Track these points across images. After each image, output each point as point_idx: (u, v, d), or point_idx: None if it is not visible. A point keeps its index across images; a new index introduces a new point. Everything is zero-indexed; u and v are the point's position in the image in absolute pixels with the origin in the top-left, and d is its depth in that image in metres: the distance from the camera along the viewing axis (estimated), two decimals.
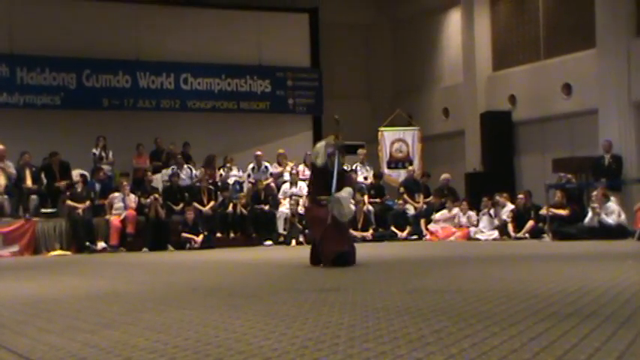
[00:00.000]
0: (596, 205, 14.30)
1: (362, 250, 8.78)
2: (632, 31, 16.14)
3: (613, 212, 14.27)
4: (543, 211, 15.30)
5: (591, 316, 3.59)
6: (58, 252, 14.56)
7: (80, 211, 15.02)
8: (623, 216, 14.32)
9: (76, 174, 15.90)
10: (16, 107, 17.76)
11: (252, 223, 16.33)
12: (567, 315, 3.66)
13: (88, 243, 14.86)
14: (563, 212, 15.14)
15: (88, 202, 15.27)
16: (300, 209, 16.37)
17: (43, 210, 15.34)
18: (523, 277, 6.31)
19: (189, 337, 3.31)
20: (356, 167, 18.11)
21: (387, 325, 3.46)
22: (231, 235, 16.20)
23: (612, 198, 14.54)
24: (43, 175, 15.72)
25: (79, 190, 15.41)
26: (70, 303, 5.26)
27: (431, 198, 17.78)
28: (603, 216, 14.20)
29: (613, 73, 16.13)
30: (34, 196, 15.57)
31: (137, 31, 19.00)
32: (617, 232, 13.91)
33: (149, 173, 16.63)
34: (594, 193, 14.67)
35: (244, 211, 16.30)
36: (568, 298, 4.46)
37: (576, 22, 17.51)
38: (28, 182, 15.49)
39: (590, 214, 14.43)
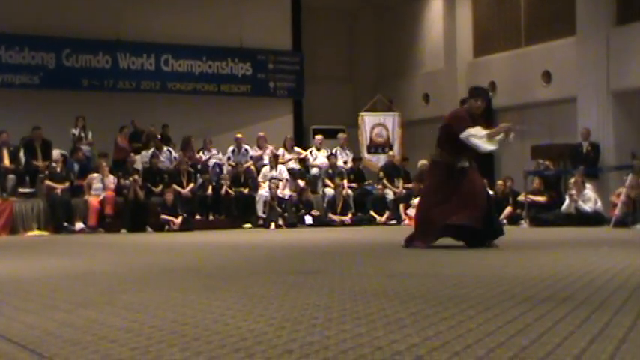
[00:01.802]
0: (573, 192, 14.42)
1: (341, 235, 8.80)
2: (612, 20, 16.23)
3: (590, 199, 14.40)
4: (521, 198, 15.42)
5: (566, 301, 3.63)
6: (36, 232, 14.48)
7: (59, 191, 14.93)
8: (599, 203, 14.45)
9: (56, 154, 15.79)
10: None
11: (232, 205, 16.32)
12: (543, 299, 3.70)
13: (66, 224, 14.78)
14: (540, 199, 15.26)
15: (67, 183, 15.19)
16: (280, 192, 16.40)
17: (21, 190, 15.22)
18: (500, 262, 6.36)
19: (166, 317, 3.31)
20: (336, 152, 18.12)
21: (364, 308, 3.48)
22: (210, 217, 16.19)
23: (589, 185, 14.67)
24: (22, 153, 15.58)
25: (58, 169, 15.31)
26: (47, 282, 5.24)
27: (411, 184, 17.83)
28: (580, 203, 14.32)
29: (592, 62, 16.22)
30: (11, 176, 15.44)
31: (118, 11, 18.83)
32: (594, 220, 14.05)
33: (132, 154, 16.57)
34: (571, 180, 14.79)
35: (230, 191, 16.29)
36: (544, 282, 4.51)
37: (557, 10, 17.59)
38: (6, 162, 15.34)
39: (567, 201, 14.55)
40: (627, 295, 3.87)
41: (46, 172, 15.31)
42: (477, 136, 7.98)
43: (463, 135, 7.90)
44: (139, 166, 16.52)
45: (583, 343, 2.57)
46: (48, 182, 15.08)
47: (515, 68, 18.29)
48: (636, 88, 15.79)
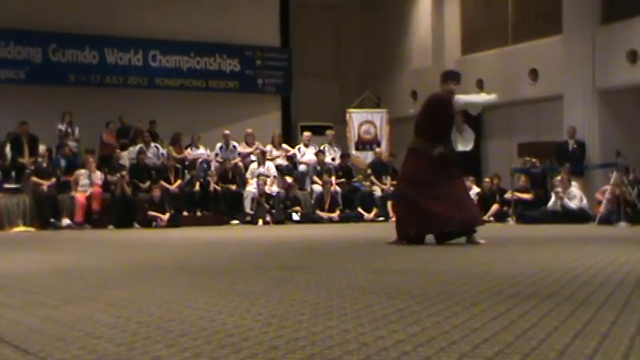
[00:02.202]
0: (559, 189, 14.50)
1: (328, 231, 8.81)
2: (598, 19, 16.32)
3: (575, 197, 14.48)
4: (508, 195, 15.48)
5: (551, 297, 3.66)
6: (22, 228, 14.42)
7: (45, 187, 14.87)
8: (584, 201, 14.54)
9: (42, 148, 15.73)
10: None
11: (219, 202, 16.31)
12: (528, 296, 3.72)
13: (52, 219, 14.73)
14: (527, 196, 15.34)
15: (53, 179, 15.13)
16: (267, 189, 16.40)
17: (7, 185, 15.15)
18: (486, 259, 6.39)
19: (152, 314, 3.31)
20: (324, 148, 18.13)
21: (350, 304, 3.49)
22: (198, 213, 16.17)
23: (574, 183, 14.75)
24: (8, 149, 15.51)
25: (44, 164, 15.25)
26: (32, 278, 5.22)
27: None
28: (566, 200, 14.40)
29: (578, 60, 16.31)
30: None
31: (106, 6, 18.74)
32: (579, 217, 14.13)
33: (118, 150, 16.52)
34: (557, 177, 14.87)
35: (217, 187, 16.28)
36: (529, 279, 4.53)
37: (544, 8, 17.67)
38: None
39: (553, 198, 14.63)
40: (611, 291, 3.90)
41: (32, 168, 15.24)
42: (468, 95, 8.10)
43: (455, 100, 7.90)
44: (126, 162, 16.47)
45: (567, 338, 2.59)
46: (34, 178, 15.01)
47: (502, 66, 18.35)
48: (621, 87, 15.89)
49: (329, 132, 18.79)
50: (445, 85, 8.18)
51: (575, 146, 15.96)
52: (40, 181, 14.95)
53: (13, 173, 15.45)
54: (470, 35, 19.56)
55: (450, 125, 8.07)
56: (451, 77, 8.33)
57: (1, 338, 2.77)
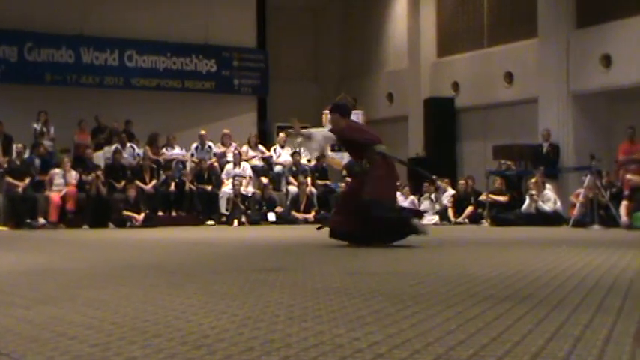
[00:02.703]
0: (533, 192, 14.61)
1: (304, 232, 8.81)
2: (573, 23, 16.47)
3: (549, 200, 14.60)
4: (483, 198, 15.58)
5: (526, 299, 3.68)
6: None
7: (20, 189, 14.74)
8: (558, 203, 14.66)
9: (19, 147, 15.58)
10: None
11: (195, 202, 16.25)
12: (503, 298, 3.74)
13: (29, 220, 14.61)
14: (502, 199, 15.44)
15: (27, 180, 14.99)
16: (243, 190, 16.37)
17: None
18: (461, 261, 6.42)
19: (127, 314, 3.29)
20: (300, 149, 18.11)
21: (325, 306, 3.49)
22: (173, 213, 16.10)
23: (549, 186, 14.87)
24: None
25: (18, 163, 15.12)
26: (5, 278, 5.17)
27: None
28: (540, 203, 14.51)
29: (553, 64, 16.45)
30: None
31: (82, 5, 18.63)
32: (553, 219, 14.25)
33: (89, 150, 16.41)
34: (532, 180, 14.98)
35: (192, 187, 16.22)
36: (504, 281, 4.56)
37: (519, 12, 17.80)
38: None
39: (527, 201, 14.73)
40: (584, 293, 3.93)
41: (6, 167, 15.11)
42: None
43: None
44: (101, 161, 16.37)
45: (541, 341, 2.61)
46: (8, 178, 14.87)
47: (477, 69, 18.46)
48: (595, 91, 16.05)
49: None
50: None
51: (549, 149, 16.09)
52: (15, 181, 14.81)
53: None
54: (446, 37, 19.66)
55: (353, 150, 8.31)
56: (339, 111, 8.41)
57: None
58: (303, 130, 8.46)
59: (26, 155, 15.64)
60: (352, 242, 8.00)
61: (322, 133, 8.61)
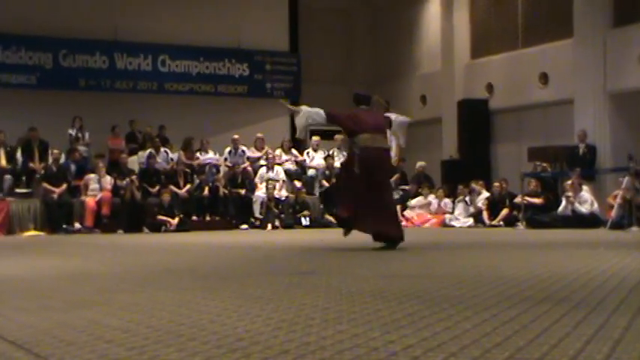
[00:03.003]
0: (570, 194, 14.44)
1: (338, 236, 8.81)
2: (609, 22, 16.26)
3: (586, 201, 14.41)
4: (518, 200, 15.42)
5: (563, 302, 3.64)
6: (32, 232, 14.47)
7: (55, 196, 14.91)
8: (595, 205, 14.47)
9: (55, 152, 15.75)
10: None
11: (228, 206, 16.31)
12: (539, 300, 3.70)
13: (65, 225, 14.77)
14: (537, 201, 15.27)
15: (64, 185, 15.16)
16: (276, 194, 16.40)
17: (18, 190, 15.21)
18: (496, 263, 6.36)
19: (162, 318, 3.31)
20: (333, 153, 18.12)
21: (360, 309, 3.48)
22: (207, 218, 16.18)
23: (585, 187, 14.68)
24: (19, 153, 15.60)
25: (54, 168, 15.30)
26: (44, 283, 5.23)
27: (408, 185, 17.85)
28: (577, 205, 14.34)
29: (589, 63, 16.24)
30: (8, 176, 15.44)
31: (115, 11, 18.80)
32: (590, 221, 14.05)
33: (124, 155, 16.55)
34: (568, 182, 14.81)
35: (226, 191, 16.29)
36: (540, 284, 4.51)
37: (554, 11, 17.60)
38: (3, 162, 15.35)
39: (563, 202, 14.57)
40: (623, 296, 3.88)
41: (42, 173, 15.31)
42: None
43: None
44: (135, 166, 16.51)
45: (579, 344, 2.57)
46: (44, 184, 15.06)
47: (512, 70, 18.30)
48: (633, 90, 15.81)
49: (338, 136, 18.73)
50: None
51: (585, 150, 15.90)
52: (51, 187, 14.99)
53: (24, 178, 15.53)
54: (479, 39, 19.52)
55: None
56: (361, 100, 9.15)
57: (13, 342, 2.78)
58: (293, 107, 9.35)
59: (62, 161, 15.82)
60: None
61: (311, 109, 9.00)
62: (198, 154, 17.43)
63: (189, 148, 17.27)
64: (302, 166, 18.01)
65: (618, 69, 15.88)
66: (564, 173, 15.73)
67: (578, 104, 16.51)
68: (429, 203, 16.81)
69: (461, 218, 16.20)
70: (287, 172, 17.37)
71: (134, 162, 16.70)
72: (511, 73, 18.29)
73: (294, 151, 18.26)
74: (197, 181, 16.54)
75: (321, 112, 8.79)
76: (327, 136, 18.96)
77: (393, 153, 9.29)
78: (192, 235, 13.93)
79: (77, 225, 14.89)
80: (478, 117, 18.80)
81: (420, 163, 18.16)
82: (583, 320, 3.07)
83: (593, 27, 16.22)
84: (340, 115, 9.02)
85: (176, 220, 15.27)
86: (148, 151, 16.70)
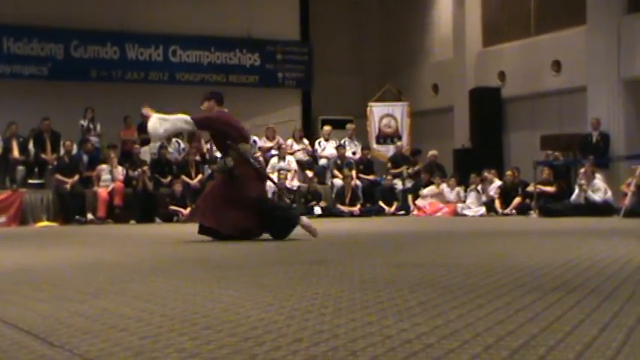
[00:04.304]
0: (583, 182, 14.38)
1: (350, 225, 8.80)
2: (623, 8, 16.15)
3: (599, 189, 14.35)
4: (530, 188, 15.38)
5: (576, 290, 3.63)
6: (45, 223, 14.54)
7: (68, 186, 14.96)
8: (609, 193, 14.41)
9: (68, 144, 15.80)
10: (2, 77, 17.63)
11: None
12: (552, 288, 3.69)
13: (77, 216, 14.82)
14: (550, 189, 15.23)
15: (76, 176, 15.21)
16: (288, 183, 16.41)
17: (30, 181, 15.29)
18: (509, 251, 6.35)
19: (176, 307, 3.32)
20: (344, 142, 18.11)
21: (373, 297, 3.48)
22: None
23: (599, 175, 14.62)
24: (31, 144, 15.66)
25: (66, 159, 15.35)
26: (58, 272, 5.26)
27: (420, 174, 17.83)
28: (590, 193, 14.28)
29: (603, 51, 16.14)
30: (20, 167, 15.51)
31: (126, 1, 18.81)
32: (603, 209, 14.00)
33: (136, 146, 16.58)
34: (581, 170, 14.75)
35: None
36: (554, 272, 4.49)
37: None
38: (15, 153, 15.41)
39: (576, 191, 14.51)
40: (637, 284, 3.86)
41: (55, 164, 15.37)
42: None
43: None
44: (147, 157, 16.54)
45: (594, 331, 2.56)
46: (57, 176, 15.12)
47: (524, 58, 18.22)
48: None
49: (349, 126, 18.75)
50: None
51: (599, 138, 15.82)
52: (63, 178, 15.04)
53: (36, 169, 15.59)
54: (491, 27, 19.43)
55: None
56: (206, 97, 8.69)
57: (29, 331, 2.79)
58: (147, 111, 8.56)
59: (74, 152, 15.87)
60: (217, 238, 8.08)
61: (170, 116, 8.51)
62: (208, 145, 17.41)
63: (194, 138, 17.21)
64: (313, 156, 18.00)
65: (632, 56, 15.78)
66: (577, 161, 15.67)
67: (591, 92, 16.42)
68: (441, 192, 16.78)
69: (473, 207, 16.17)
70: (298, 161, 17.37)
71: (146, 152, 16.73)
72: (524, 60, 18.21)
73: (305, 140, 18.26)
74: (209, 171, 16.56)
75: (188, 118, 8.41)
76: (338, 125, 18.96)
77: None
78: None
79: (90, 216, 14.95)
80: (490, 105, 18.73)
81: (432, 152, 18.13)
82: (597, 308, 3.06)
83: (606, 14, 16.11)
84: (217, 120, 8.51)
85: (188, 210, 15.29)
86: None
